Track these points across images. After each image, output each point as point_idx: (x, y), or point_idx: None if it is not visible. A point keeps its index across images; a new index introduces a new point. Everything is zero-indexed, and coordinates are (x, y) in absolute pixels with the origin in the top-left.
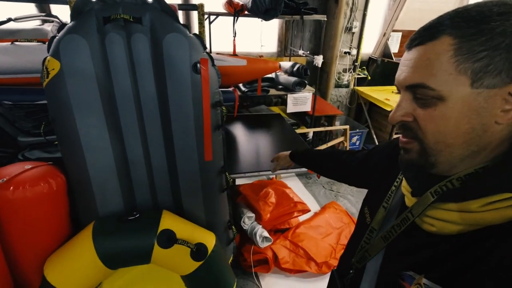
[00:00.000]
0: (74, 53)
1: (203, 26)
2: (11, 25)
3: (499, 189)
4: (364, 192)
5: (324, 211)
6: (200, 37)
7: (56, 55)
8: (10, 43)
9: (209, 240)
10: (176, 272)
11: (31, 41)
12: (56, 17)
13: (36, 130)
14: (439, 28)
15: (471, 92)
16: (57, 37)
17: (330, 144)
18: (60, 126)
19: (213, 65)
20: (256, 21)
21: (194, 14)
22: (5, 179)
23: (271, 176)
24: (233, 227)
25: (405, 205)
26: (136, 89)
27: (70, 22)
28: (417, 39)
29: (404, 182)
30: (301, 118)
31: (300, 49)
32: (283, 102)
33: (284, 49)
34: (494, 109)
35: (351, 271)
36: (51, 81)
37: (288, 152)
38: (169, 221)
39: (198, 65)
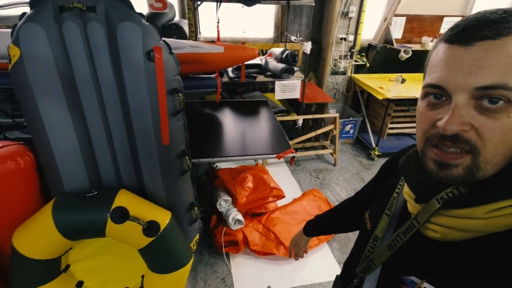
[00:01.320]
0: (32, 41)
1: (191, 12)
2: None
3: (504, 196)
4: (352, 181)
5: (303, 198)
6: (156, 25)
7: (16, 43)
8: None
9: (163, 218)
10: (131, 245)
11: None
12: None
13: (15, 112)
14: (509, 24)
15: None
16: (18, 25)
17: (318, 132)
18: (25, 109)
19: (171, 52)
20: (255, 7)
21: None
22: None
23: (256, 160)
24: (196, 208)
25: (406, 212)
26: (95, 74)
27: (30, 10)
28: (481, 31)
29: (406, 188)
30: (294, 104)
31: (297, 35)
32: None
33: (280, 34)
34: None
35: (355, 280)
36: (13, 67)
37: (300, 231)
38: (124, 199)
39: (152, 53)
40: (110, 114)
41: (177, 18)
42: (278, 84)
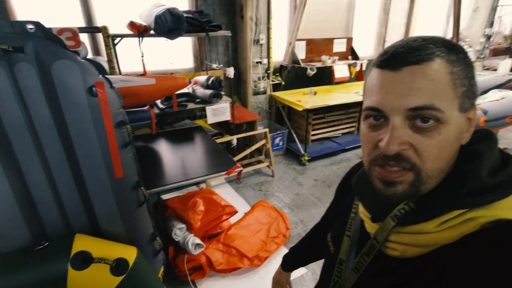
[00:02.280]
0: None
1: (110, 48)
2: None
3: (449, 207)
4: (291, 187)
5: (253, 210)
6: (94, 61)
7: None
8: None
9: (130, 254)
10: None
11: None
12: None
13: None
14: (429, 50)
15: (459, 115)
16: None
17: (253, 148)
18: None
19: (111, 87)
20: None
21: (100, 37)
22: None
23: (200, 186)
24: (158, 238)
25: (365, 231)
26: (28, 117)
27: None
28: (406, 58)
29: (361, 208)
30: (225, 127)
31: (215, 63)
32: (201, 116)
33: (200, 64)
34: (464, 132)
35: None
36: None
37: (279, 267)
38: (83, 243)
39: (94, 88)
40: (51, 157)
41: (89, 55)
42: (209, 109)
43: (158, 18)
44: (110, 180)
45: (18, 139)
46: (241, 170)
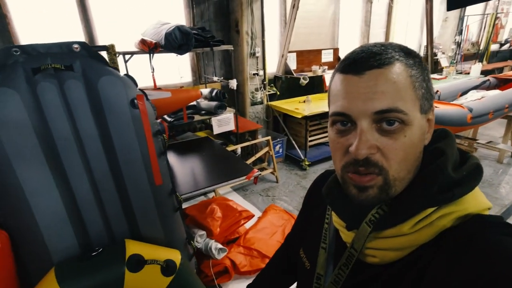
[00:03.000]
0: (5, 105)
1: (117, 65)
2: None
3: (422, 206)
4: (296, 191)
5: (266, 214)
6: (131, 76)
7: None
8: None
9: (175, 256)
10: None
11: None
12: None
13: None
14: (389, 54)
15: (421, 117)
16: None
17: (257, 155)
18: None
19: (147, 99)
20: (171, 55)
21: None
22: None
23: (210, 196)
24: (192, 242)
25: (341, 241)
26: (75, 131)
27: None
28: (368, 62)
29: (335, 217)
30: (227, 137)
31: (213, 76)
32: (206, 126)
33: (199, 77)
34: (425, 133)
35: None
36: None
37: None
38: (134, 247)
39: (135, 101)
40: (95, 168)
41: None
42: (215, 120)
43: (169, 35)
44: (150, 187)
45: (66, 152)
46: (259, 174)
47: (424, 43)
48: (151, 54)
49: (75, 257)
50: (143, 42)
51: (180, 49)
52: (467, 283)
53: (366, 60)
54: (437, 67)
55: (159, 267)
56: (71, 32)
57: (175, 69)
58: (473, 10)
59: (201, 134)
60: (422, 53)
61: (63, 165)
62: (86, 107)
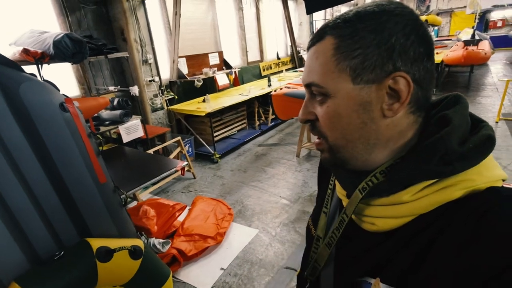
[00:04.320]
0: None
1: None
2: None
3: (419, 178)
4: (213, 183)
5: (195, 205)
6: (50, 81)
7: None
8: None
9: (138, 242)
10: (123, 280)
11: None
12: None
13: None
14: (324, 30)
15: (354, 88)
16: None
17: (171, 156)
18: None
19: (72, 102)
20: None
21: None
22: None
23: (128, 206)
24: (143, 234)
25: (342, 208)
26: (1, 142)
27: None
28: (311, 41)
29: (338, 187)
30: (134, 146)
31: (103, 86)
32: (107, 140)
33: (89, 89)
34: (378, 104)
35: (306, 286)
36: None
37: None
38: (98, 242)
39: (65, 104)
40: (30, 177)
41: None
42: (122, 128)
43: (58, 43)
44: (96, 186)
45: None
46: (187, 165)
47: (289, 43)
48: (40, 65)
49: (34, 267)
50: (25, 52)
51: (74, 58)
52: (481, 268)
53: (310, 40)
54: (301, 62)
55: (127, 252)
56: None
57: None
58: (318, 16)
59: (106, 147)
60: (289, 52)
61: None
62: (9, 117)
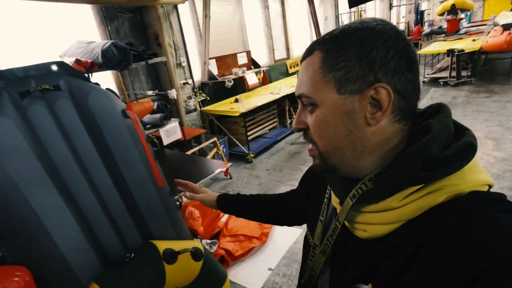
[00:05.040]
0: (2, 134)
1: None
2: None
3: (405, 184)
4: (250, 183)
5: None
6: (111, 89)
7: None
8: None
9: (197, 244)
10: (187, 281)
11: None
12: None
13: None
14: (314, 45)
15: (338, 98)
16: None
17: (209, 157)
18: (6, 215)
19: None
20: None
21: None
22: None
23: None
24: (198, 237)
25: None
26: (74, 150)
27: None
28: (303, 56)
29: (333, 195)
30: (170, 149)
31: (140, 90)
32: None
33: (127, 95)
34: (362, 112)
35: None
36: None
37: (213, 194)
38: (162, 244)
39: (126, 111)
40: (99, 183)
41: None
42: (163, 131)
43: (106, 52)
44: (155, 190)
45: (69, 173)
46: (231, 165)
47: (315, 38)
48: (90, 74)
49: (111, 267)
50: (77, 62)
51: (120, 65)
52: (465, 269)
53: (303, 54)
54: None
55: (190, 254)
56: None
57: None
58: (343, 10)
59: None
60: None
61: (68, 186)
62: (80, 125)
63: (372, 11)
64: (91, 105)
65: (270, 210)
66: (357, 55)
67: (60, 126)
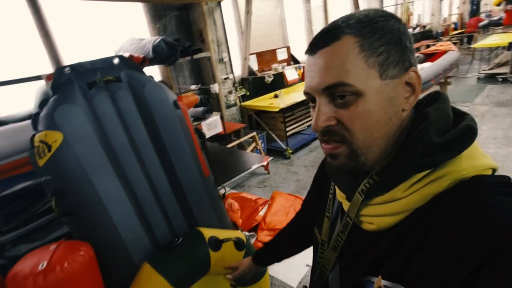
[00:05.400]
0: (72, 121)
1: None
2: None
3: (408, 172)
4: (287, 179)
5: (274, 200)
6: (164, 81)
7: (54, 127)
8: None
9: (240, 234)
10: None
11: None
12: None
13: (7, 226)
14: (338, 30)
15: (381, 84)
16: (46, 112)
17: (248, 150)
18: (75, 195)
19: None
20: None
21: None
22: (44, 263)
23: None
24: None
25: (344, 211)
26: (130, 138)
27: (52, 95)
28: (319, 42)
29: (338, 190)
30: (211, 141)
31: (184, 85)
32: None
33: (171, 89)
34: (399, 97)
35: None
36: (54, 154)
37: (250, 262)
38: (208, 232)
39: (177, 102)
40: (151, 169)
41: None
42: (204, 124)
43: (156, 47)
44: (201, 179)
45: (126, 159)
46: (271, 159)
47: None
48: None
49: (160, 250)
50: (131, 57)
51: (168, 60)
52: (468, 258)
53: (318, 40)
54: None
55: (233, 243)
56: (35, 57)
57: None
58: (388, 2)
59: None
60: None
61: (125, 172)
62: (136, 114)
63: (420, 2)
64: (146, 95)
65: (299, 234)
66: (393, 39)
67: (120, 115)
